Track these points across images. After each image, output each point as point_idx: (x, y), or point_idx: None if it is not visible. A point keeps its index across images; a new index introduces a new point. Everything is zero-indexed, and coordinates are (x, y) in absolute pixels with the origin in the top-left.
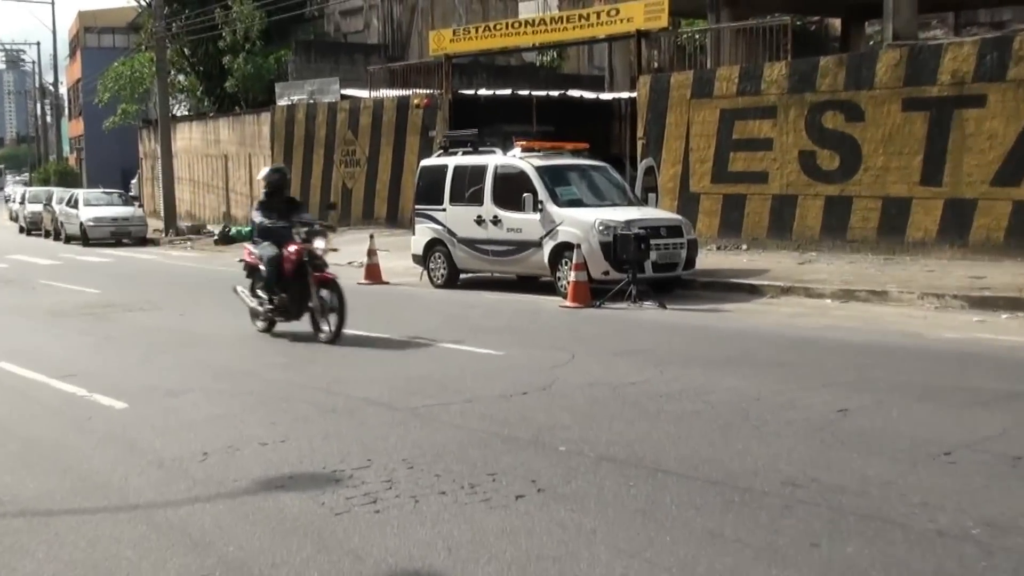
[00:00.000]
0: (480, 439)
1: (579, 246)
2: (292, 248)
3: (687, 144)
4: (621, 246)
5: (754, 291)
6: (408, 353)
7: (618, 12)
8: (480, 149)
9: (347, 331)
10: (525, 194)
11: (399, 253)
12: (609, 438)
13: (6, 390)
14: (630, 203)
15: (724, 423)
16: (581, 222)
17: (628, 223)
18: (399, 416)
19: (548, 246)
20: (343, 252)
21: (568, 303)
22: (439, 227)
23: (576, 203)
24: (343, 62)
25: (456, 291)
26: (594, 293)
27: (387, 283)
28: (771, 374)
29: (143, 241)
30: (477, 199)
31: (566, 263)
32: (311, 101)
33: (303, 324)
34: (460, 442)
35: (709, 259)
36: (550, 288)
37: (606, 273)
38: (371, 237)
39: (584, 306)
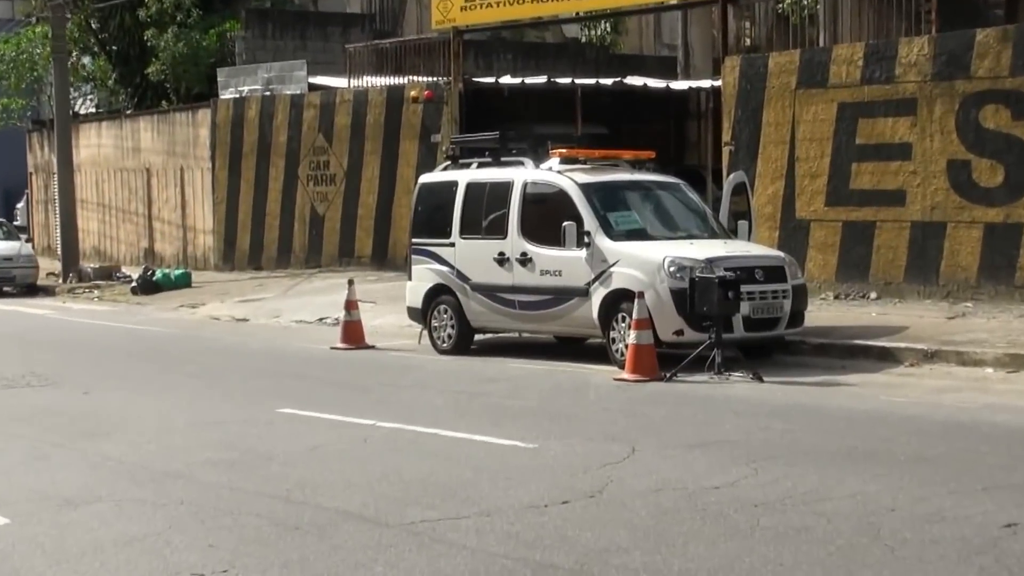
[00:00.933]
0: (502, 568)
1: (642, 295)
2: None
3: (792, 152)
4: (701, 295)
5: (886, 357)
6: (402, 446)
7: None
8: (503, 160)
9: (314, 414)
10: (566, 223)
11: (390, 306)
12: (683, 566)
13: None
14: (713, 235)
15: (845, 544)
16: (644, 261)
17: (710, 263)
18: (389, 536)
19: (598, 295)
20: (310, 306)
21: (626, 375)
22: (445, 269)
23: (638, 235)
24: (312, 38)
25: (469, 358)
26: (662, 361)
27: (372, 347)
28: (910, 474)
29: (32, 289)
30: (499, 230)
31: (623, 319)
32: (268, 93)
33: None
34: (474, 572)
35: (823, 312)
36: (600, 354)
37: (679, 333)
38: (350, 284)
39: (649, 379)
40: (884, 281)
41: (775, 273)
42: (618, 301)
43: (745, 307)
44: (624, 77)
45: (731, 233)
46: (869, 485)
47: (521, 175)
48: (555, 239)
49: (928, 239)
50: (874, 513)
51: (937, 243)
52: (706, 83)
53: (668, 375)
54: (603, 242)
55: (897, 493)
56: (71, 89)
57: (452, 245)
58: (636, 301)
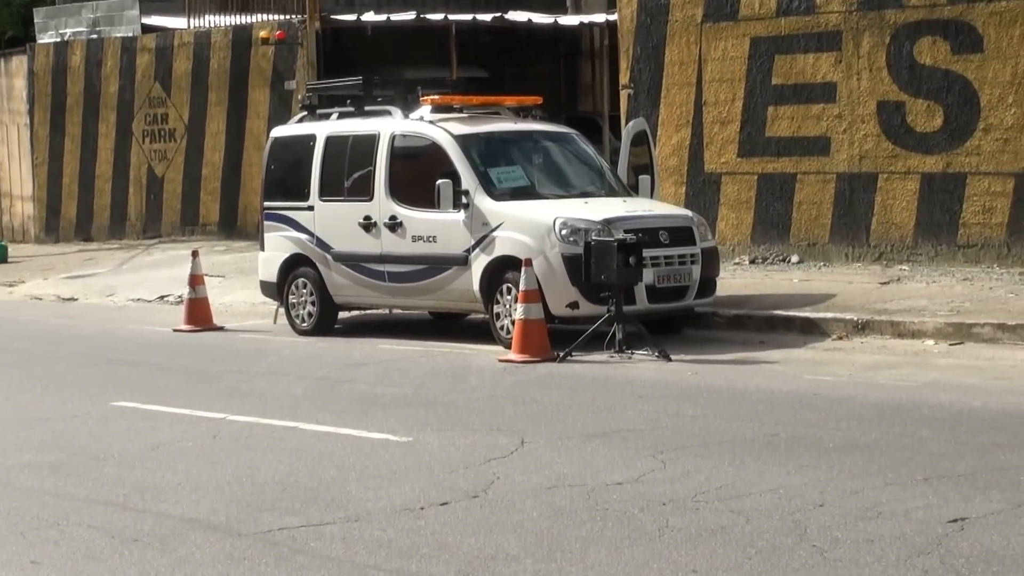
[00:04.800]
0: None
1: (530, 263)
2: None
3: (699, 96)
4: (598, 262)
5: (810, 329)
6: (256, 443)
7: None
8: (367, 110)
9: (154, 408)
10: (440, 181)
11: (241, 280)
12: (582, 575)
13: None
14: (610, 192)
15: (767, 545)
16: (532, 224)
17: (608, 224)
18: (242, 547)
19: (479, 264)
20: (149, 282)
21: (513, 356)
22: (303, 237)
23: (524, 193)
24: None
25: (332, 339)
26: (555, 338)
27: (221, 329)
28: (841, 464)
29: None
30: (364, 191)
31: (509, 291)
32: (94, 36)
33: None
34: None
35: (738, 279)
36: (483, 332)
37: (574, 306)
38: (194, 256)
39: (539, 360)
40: (807, 242)
41: (682, 235)
42: (502, 270)
43: (648, 275)
44: (505, 12)
45: (631, 190)
46: (793, 477)
47: (388, 127)
48: (428, 200)
49: (856, 193)
50: (800, 510)
51: (867, 197)
52: (600, 17)
53: (561, 355)
54: (484, 202)
55: (826, 486)
56: None
57: (311, 209)
58: (523, 270)
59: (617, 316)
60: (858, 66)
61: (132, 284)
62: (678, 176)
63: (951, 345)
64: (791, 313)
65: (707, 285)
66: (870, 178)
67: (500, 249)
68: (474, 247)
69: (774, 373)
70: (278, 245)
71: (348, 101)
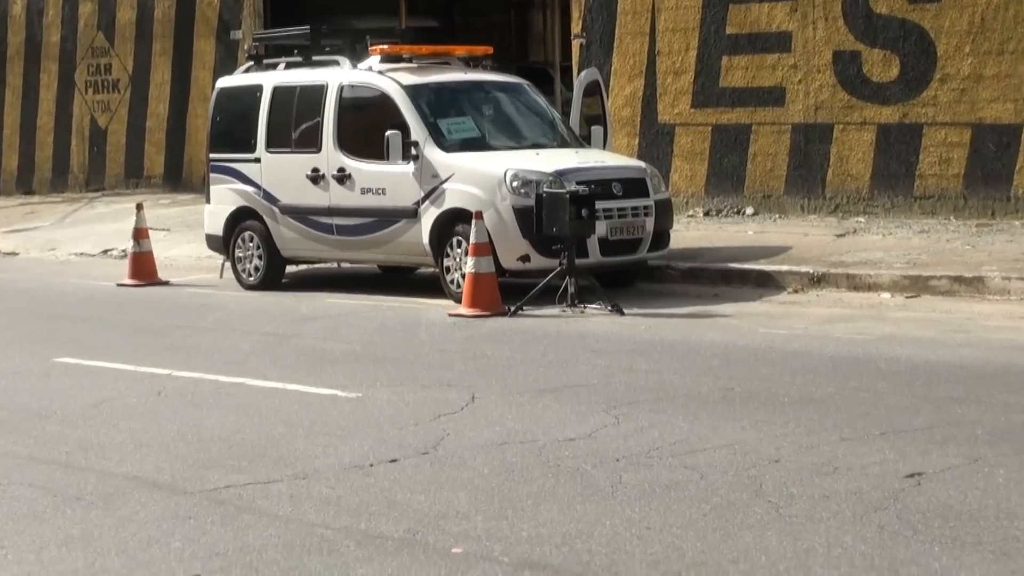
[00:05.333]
0: (321, 540)
1: (480, 215)
2: None
3: (652, 45)
4: (549, 214)
5: (765, 282)
6: (202, 399)
7: None
8: (315, 60)
9: (98, 364)
10: (389, 132)
11: (186, 234)
12: (533, 532)
13: None
14: (563, 144)
15: (722, 502)
16: (483, 176)
17: (560, 176)
18: (188, 505)
19: (429, 216)
20: (92, 236)
21: (463, 310)
22: (250, 189)
23: (474, 145)
24: None
25: (279, 294)
26: (506, 292)
27: (166, 283)
28: (797, 418)
29: None
30: (311, 142)
31: (459, 244)
32: None
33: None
34: (289, 545)
35: (692, 232)
36: (433, 286)
37: (525, 259)
38: (138, 209)
39: (490, 314)
40: (762, 194)
41: (635, 187)
42: (453, 223)
43: (601, 227)
44: None
45: (584, 141)
46: (748, 433)
47: (336, 77)
48: (378, 152)
49: (812, 144)
50: (755, 465)
51: (823, 149)
52: None
53: (513, 309)
54: (433, 154)
55: (781, 441)
56: None
57: (257, 161)
58: (474, 223)
59: (569, 269)
60: (814, 15)
61: (75, 238)
62: (631, 127)
63: (907, 298)
64: (746, 266)
65: (661, 238)
66: (826, 129)
67: (450, 201)
68: (424, 199)
69: (729, 327)
70: (224, 198)
71: (295, 51)
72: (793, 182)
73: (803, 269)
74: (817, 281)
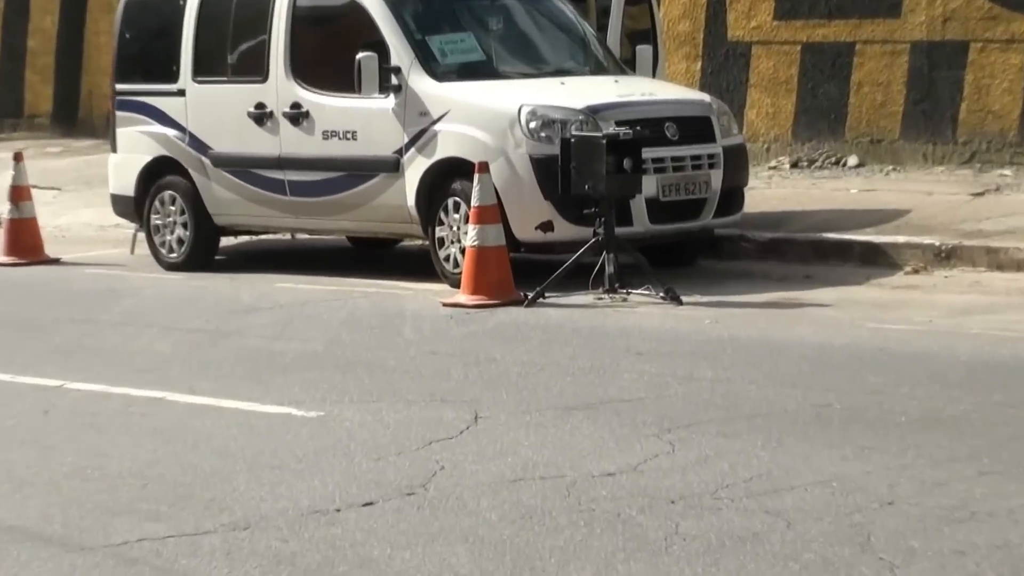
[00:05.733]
0: None
1: (486, 168)
2: None
3: None
4: (580, 165)
5: (874, 258)
6: (106, 420)
7: None
8: None
9: None
10: (362, 54)
11: (84, 194)
12: None
13: None
14: (598, 69)
15: (817, 559)
16: (490, 113)
17: (593, 113)
18: (87, 565)
19: (417, 169)
20: None
21: (463, 297)
22: (171, 133)
23: (478, 71)
24: None
25: (213, 276)
26: (520, 273)
27: (57, 261)
28: (918, 445)
29: None
30: (255, 68)
31: (457, 207)
32: None
33: None
34: None
35: (775, 190)
36: (421, 264)
37: (547, 227)
38: (17, 160)
39: (499, 302)
40: (869, 138)
41: (697, 128)
42: (448, 178)
43: (650, 183)
44: None
45: (626, 66)
46: (851, 465)
47: None
48: (346, 81)
49: (939, 70)
50: (860, 509)
51: (953, 76)
52: None
53: (531, 296)
54: (422, 83)
55: (897, 476)
56: None
57: (181, 94)
58: (476, 177)
59: (607, 242)
60: None
61: None
62: (691, 47)
63: None
64: (847, 236)
65: (731, 198)
66: (958, 48)
67: (445, 149)
68: (409, 146)
69: (825, 320)
70: (136, 145)
71: None
72: (912, 121)
73: (926, 240)
74: (946, 257)
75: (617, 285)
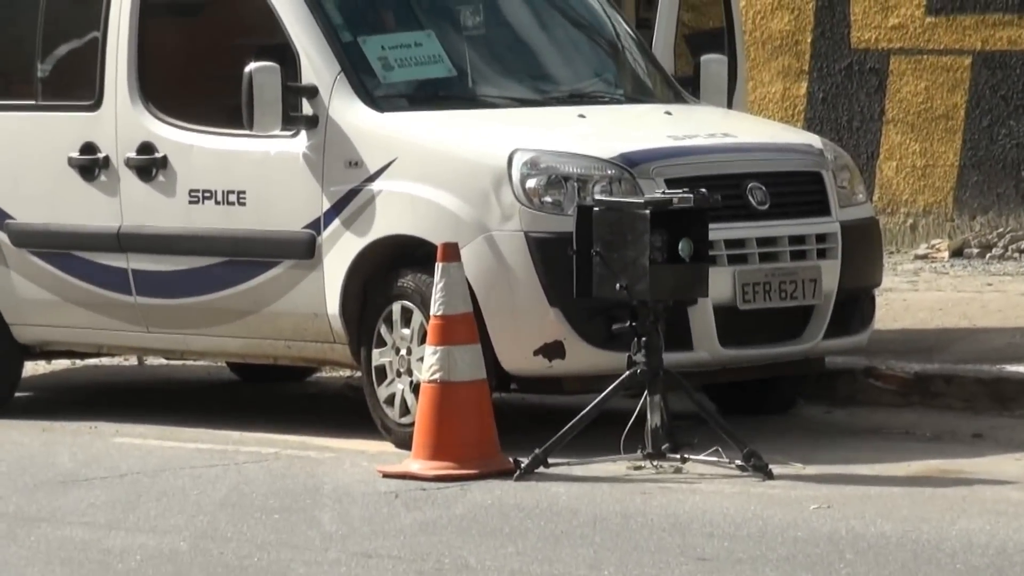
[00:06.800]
0: None
1: (453, 253)
2: None
3: None
4: (608, 249)
5: None
6: None
7: None
8: None
9: None
10: (255, 66)
11: None
12: None
13: None
14: (638, 92)
15: None
16: (461, 162)
17: (630, 164)
18: None
19: (342, 254)
20: None
21: (416, 464)
22: None
23: (443, 94)
24: None
25: (10, 424)
26: (510, 424)
27: None
28: None
29: None
30: (80, 88)
31: (406, 317)
32: None
33: None
34: None
35: (926, 293)
36: (350, 408)
37: (553, 352)
38: None
39: (476, 472)
40: None
41: (800, 190)
42: (393, 270)
43: (723, 280)
44: None
45: (684, 88)
46: None
47: None
48: (228, 110)
49: None
50: None
51: None
52: None
53: (526, 463)
54: (352, 113)
55: None
56: None
57: None
58: (440, 268)
59: (651, 377)
60: None
61: None
62: (791, 57)
63: None
64: None
65: (854, 306)
66: None
67: (388, 221)
68: (331, 216)
69: (1005, 506)
70: None
71: None
72: None
73: None
74: None
75: (667, 446)
